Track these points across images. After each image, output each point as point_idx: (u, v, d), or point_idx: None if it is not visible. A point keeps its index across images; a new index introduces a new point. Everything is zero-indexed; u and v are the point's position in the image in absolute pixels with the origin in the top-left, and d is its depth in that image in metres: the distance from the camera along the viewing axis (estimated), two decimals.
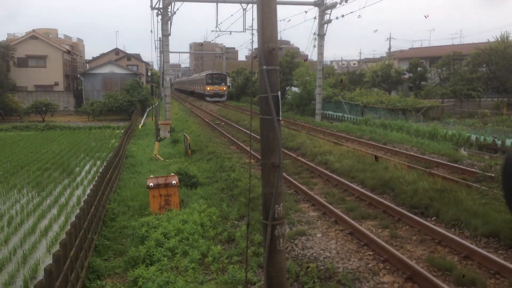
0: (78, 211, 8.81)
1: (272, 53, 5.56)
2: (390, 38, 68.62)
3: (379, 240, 8.74)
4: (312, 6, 33.21)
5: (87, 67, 70.98)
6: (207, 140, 24.96)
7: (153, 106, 46.81)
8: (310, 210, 11.60)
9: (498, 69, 41.55)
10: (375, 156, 13.57)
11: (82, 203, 9.40)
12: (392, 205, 11.22)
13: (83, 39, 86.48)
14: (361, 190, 12.94)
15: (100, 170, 14.64)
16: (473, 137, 21.21)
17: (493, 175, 13.15)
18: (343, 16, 31.65)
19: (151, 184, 11.63)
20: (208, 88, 62.99)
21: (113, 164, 15.01)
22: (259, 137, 5.90)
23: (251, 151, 14.69)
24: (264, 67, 5.54)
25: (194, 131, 28.61)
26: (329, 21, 33.12)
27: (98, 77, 53.33)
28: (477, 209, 9.95)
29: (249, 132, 26.38)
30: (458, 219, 9.84)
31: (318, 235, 9.44)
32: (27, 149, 25.29)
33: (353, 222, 10.02)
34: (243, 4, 30.55)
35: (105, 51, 77.95)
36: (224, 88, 63.71)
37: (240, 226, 10.44)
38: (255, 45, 6.13)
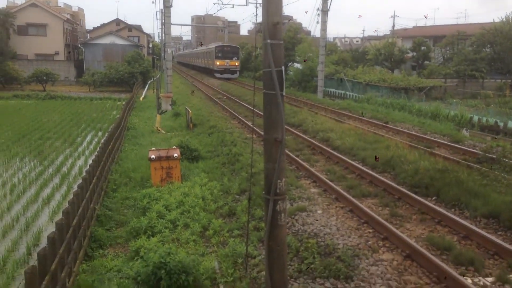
0: (80, 181, 8.83)
1: (277, 27, 5.50)
2: (394, 15, 68.07)
3: (379, 218, 8.81)
4: None
5: (88, 37, 70.30)
6: (209, 114, 24.90)
7: (155, 79, 46.58)
8: (311, 187, 11.66)
9: (503, 50, 41.21)
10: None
11: (85, 173, 9.43)
12: (393, 184, 11.27)
13: (84, 8, 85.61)
14: (362, 168, 12.98)
15: (102, 140, 14.65)
16: (475, 118, 21.18)
17: (494, 156, 13.16)
18: None
19: (153, 156, 11.66)
20: (218, 63, 54.64)
21: (114, 135, 15.00)
22: (261, 113, 5.87)
23: (253, 127, 14.65)
24: (268, 41, 5.48)
25: (196, 105, 28.51)
26: None
27: (99, 47, 52.84)
28: (478, 189, 10.00)
29: (250, 107, 26.31)
30: (458, 200, 9.90)
31: (319, 212, 9.51)
32: (29, 118, 25.23)
33: (353, 199, 10.08)
34: None
35: (106, 21, 77.20)
36: (237, 64, 55.23)
37: (241, 200, 10.50)
38: (259, 19, 6.06)
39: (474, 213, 9.28)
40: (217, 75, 54.91)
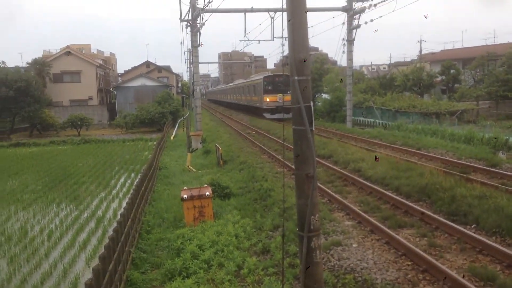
0: (115, 224, 8.95)
1: (304, 63, 5.56)
2: (421, 40, 67.64)
3: (417, 250, 8.55)
4: (341, 12, 33.07)
5: (120, 81, 72.56)
6: (239, 150, 25.04)
7: (184, 117, 47.42)
8: (345, 219, 11.46)
9: None
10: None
11: (119, 216, 9.55)
12: (429, 213, 10.98)
13: (115, 53, 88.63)
14: (396, 197, 12.71)
15: (135, 182, 14.88)
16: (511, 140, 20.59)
17: None
18: (372, 20, 31.24)
19: (185, 196, 11.73)
20: (267, 99, 43.16)
21: (147, 176, 15.23)
22: (290, 146, 5.88)
23: (284, 161, 14.62)
24: (296, 77, 5.54)
25: (225, 141, 28.76)
26: (358, 26, 32.86)
27: (130, 90, 54.39)
28: None
29: (279, 141, 26.35)
30: (499, 226, 9.54)
31: (354, 245, 9.31)
32: (65, 163, 25.94)
33: (389, 231, 9.84)
34: (271, 13, 30.67)
35: (137, 64, 79.60)
36: None
37: (274, 237, 10.39)
38: (285, 53, 6.12)
39: None
40: (267, 115, 43.42)
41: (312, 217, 5.50)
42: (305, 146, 5.50)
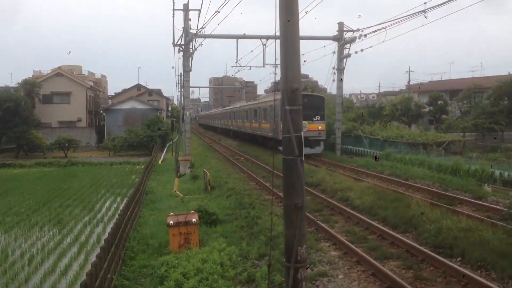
0: (98, 249, 8.80)
1: (296, 93, 5.62)
2: (409, 71, 68.69)
3: (403, 282, 8.51)
4: (331, 41, 33.59)
5: (110, 103, 72.44)
6: (227, 175, 24.96)
7: (173, 141, 47.30)
8: (331, 249, 11.40)
9: None
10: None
11: (103, 242, 9.41)
12: (416, 245, 10.97)
13: (106, 75, 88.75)
14: (383, 228, 12.70)
15: (121, 207, 14.72)
16: (497, 172, 20.78)
17: None
18: (362, 50, 31.78)
19: (171, 222, 11.60)
20: None
21: (133, 200, 15.09)
22: (278, 173, 5.89)
23: (273, 189, 14.60)
24: (287, 107, 5.59)
25: (214, 167, 28.68)
26: (348, 55, 33.36)
27: (120, 112, 54.28)
28: (504, 249, 9.65)
29: (268, 168, 26.34)
30: (484, 260, 9.54)
31: (340, 276, 9.25)
32: (50, 186, 25.63)
33: (375, 262, 9.79)
34: (263, 40, 31.04)
35: (128, 86, 79.60)
36: (322, 127, 32.26)
37: (260, 266, 10.29)
38: (277, 78, 6.13)
39: (502, 274, 8.91)
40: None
41: (300, 248, 5.49)
42: (294, 176, 5.52)
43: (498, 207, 14.47)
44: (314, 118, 31.69)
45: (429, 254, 10.25)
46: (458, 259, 10.13)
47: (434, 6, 19.20)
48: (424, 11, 19.90)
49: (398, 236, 11.86)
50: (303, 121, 22.55)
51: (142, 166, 30.87)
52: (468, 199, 16.20)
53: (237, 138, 53.75)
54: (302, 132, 5.68)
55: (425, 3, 19.56)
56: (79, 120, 55.23)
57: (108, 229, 11.85)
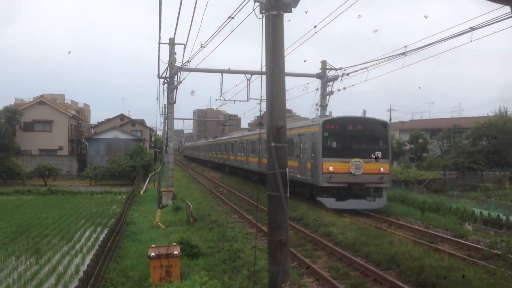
0: (76, 281, 8.61)
1: (281, 131, 5.71)
2: (390, 109, 69.87)
3: None
4: (315, 78, 34.17)
5: (92, 132, 72.01)
6: (209, 208, 24.79)
7: (155, 172, 46.98)
8: (314, 285, 11.33)
9: (499, 143, 42.02)
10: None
11: (82, 274, 9.21)
12: (398, 283, 10.96)
13: (90, 104, 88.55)
14: (366, 265, 12.68)
15: (101, 238, 14.46)
16: (478, 211, 21.06)
17: (499, 252, 12.93)
18: (344, 88, 32.17)
19: (153, 254, 11.42)
20: (330, 168, 22.32)
21: (114, 231, 14.84)
22: (262, 207, 5.89)
23: (257, 223, 14.54)
24: (273, 144, 5.66)
25: (196, 199, 28.47)
26: (331, 93, 33.85)
27: (103, 142, 53.95)
28: (484, 286, 9.71)
29: (251, 201, 26.26)
30: None
31: None
32: (28, 214, 25.07)
33: None
34: (247, 75, 31.41)
35: (111, 116, 79.46)
36: (384, 168, 22.72)
37: None
38: (257, 113, 6.21)
39: None
40: (328, 202, 22.80)
41: (283, 284, 5.46)
42: (279, 212, 5.55)
43: (479, 246, 14.61)
44: (372, 154, 22.54)
45: None
46: None
47: (413, 49, 19.78)
48: (404, 54, 20.47)
49: (381, 273, 11.85)
50: (357, 159, 20.73)
51: (124, 196, 30.48)
52: (449, 237, 16.33)
53: (223, 171, 52.29)
54: (287, 169, 5.74)
55: (405, 46, 20.18)
56: (61, 148, 54.65)
57: (87, 260, 11.63)
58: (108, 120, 76.96)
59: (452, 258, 12.37)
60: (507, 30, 12.52)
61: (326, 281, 11.35)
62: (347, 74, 29.69)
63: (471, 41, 15.36)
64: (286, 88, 6.75)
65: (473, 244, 15.00)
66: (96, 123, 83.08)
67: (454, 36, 15.94)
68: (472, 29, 14.83)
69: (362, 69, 25.02)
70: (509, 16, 12.04)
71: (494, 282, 10.26)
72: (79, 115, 72.13)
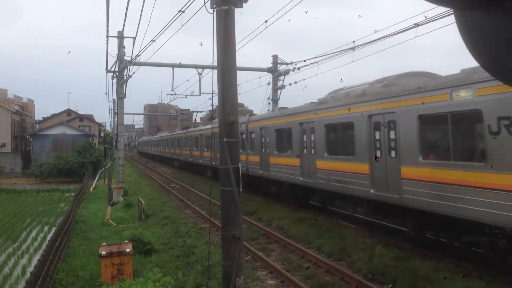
0: (23, 283, 8.31)
1: (233, 126, 5.71)
2: None
3: None
4: (266, 73, 34.34)
5: (37, 128, 69.34)
6: (162, 204, 24.49)
7: (105, 168, 45.89)
8: (268, 278, 11.43)
9: None
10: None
11: (30, 275, 8.90)
12: (349, 273, 11.23)
13: (34, 99, 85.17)
14: (318, 256, 12.90)
15: (49, 237, 14.01)
16: None
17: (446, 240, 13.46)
18: (296, 82, 32.69)
19: (104, 252, 11.18)
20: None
21: (62, 230, 14.42)
22: (215, 201, 5.89)
23: (210, 218, 14.49)
24: (225, 139, 5.65)
25: (148, 195, 28.06)
26: (283, 87, 34.16)
27: (48, 138, 52.08)
28: (432, 275, 10.11)
29: (204, 196, 26.14)
30: (414, 286, 9.92)
31: None
32: None
33: None
34: (199, 69, 31.16)
35: (57, 111, 76.78)
36: None
37: None
38: (209, 107, 6.20)
39: None
40: None
41: (238, 279, 5.48)
42: (232, 207, 5.55)
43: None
44: None
45: (362, 281, 10.53)
46: (389, 286, 10.48)
47: (362, 44, 20.24)
48: (352, 49, 20.92)
49: (333, 264, 12.10)
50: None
51: (72, 194, 29.61)
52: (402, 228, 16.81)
53: (178, 167, 51.28)
54: (239, 164, 5.76)
55: (353, 41, 20.64)
56: (3, 145, 52.34)
57: (35, 261, 11.23)
58: (54, 116, 74.29)
59: (402, 251, 12.75)
60: (448, 27, 13.02)
61: (279, 273, 11.48)
62: (298, 69, 30.02)
63: (415, 36, 15.89)
64: (238, 82, 6.75)
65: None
66: (42, 119, 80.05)
67: (400, 32, 16.44)
68: (417, 25, 15.33)
69: (313, 63, 25.38)
70: (449, 13, 12.54)
71: (441, 268, 10.65)
72: (22, 110, 69.27)
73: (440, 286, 9.54)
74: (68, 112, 74.95)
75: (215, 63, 5.93)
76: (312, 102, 18.59)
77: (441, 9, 12.88)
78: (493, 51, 1.23)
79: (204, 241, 14.45)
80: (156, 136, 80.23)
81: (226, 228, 5.88)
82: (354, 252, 12.61)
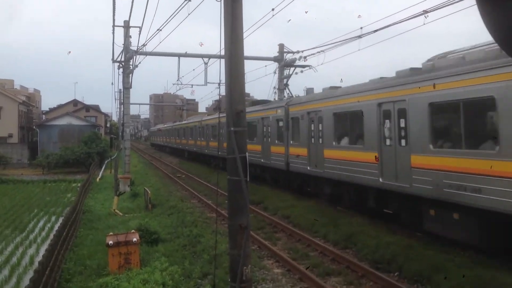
0: (31, 272, 8.37)
1: (240, 115, 5.67)
2: None
3: None
4: (272, 62, 34.18)
5: (44, 118, 69.56)
6: (168, 193, 24.57)
7: (111, 158, 46.06)
8: (274, 267, 11.46)
9: None
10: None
11: (38, 265, 8.96)
12: (355, 261, 11.24)
13: (41, 90, 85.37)
14: (324, 245, 12.92)
15: (56, 227, 14.10)
16: None
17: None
18: (302, 71, 32.60)
19: (111, 242, 11.23)
20: None
21: (70, 220, 14.50)
22: (222, 191, 5.86)
23: (217, 208, 14.51)
24: (232, 128, 5.62)
25: (154, 185, 28.14)
26: (289, 76, 34.05)
27: (55, 128, 52.24)
28: (439, 263, 10.09)
29: (210, 185, 26.18)
30: (420, 275, 9.92)
31: None
32: None
33: (317, 279, 9.95)
34: (205, 59, 31.07)
35: (64, 102, 76.88)
36: None
37: (203, 285, 10.15)
38: (216, 97, 6.17)
39: None
40: None
41: (245, 267, 5.48)
42: (239, 196, 5.53)
43: None
44: None
45: (368, 269, 10.54)
46: (396, 274, 10.48)
47: (369, 32, 19.99)
48: (359, 36, 20.68)
49: (339, 252, 12.12)
50: None
51: (79, 184, 29.75)
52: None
53: (181, 156, 50.53)
54: (246, 153, 5.74)
55: (361, 28, 20.35)
56: (10, 136, 52.53)
57: (42, 251, 11.32)
58: (60, 106, 74.40)
59: (409, 238, 12.72)
60: (458, 13, 12.84)
61: (286, 262, 11.51)
62: (305, 57, 29.81)
63: (423, 24, 15.70)
64: (244, 71, 6.69)
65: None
66: (48, 109, 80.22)
67: (408, 19, 16.24)
68: (425, 12, 15.14)
69: (319, 52, 25.19)
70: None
71: (448, 258, 10.61)
72: (29, 101, 69.42)
73: (447, 273, 9.51)
74: (75, 102, 75.07)
75: (223, 52, 5.88)
76: (382, 78, 14.58)
77: None
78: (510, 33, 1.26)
79: (210, 231, 14.50)
80: (183, 122, 56.56)
81: (233, 217, 5.87)
82: (360, 240, 12.61)
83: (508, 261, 9.86)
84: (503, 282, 8.65)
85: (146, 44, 28.39)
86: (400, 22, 16.41)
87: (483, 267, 9.68)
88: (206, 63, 31.35)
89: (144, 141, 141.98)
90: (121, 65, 32.52)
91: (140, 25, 45.80)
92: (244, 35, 6.20)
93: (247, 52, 6.76)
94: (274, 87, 35.15)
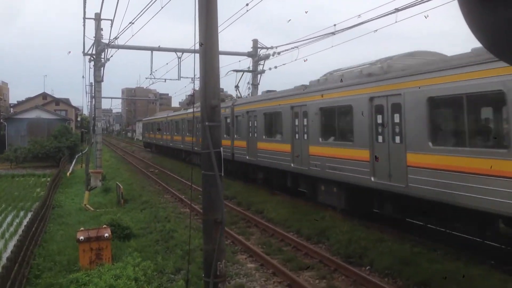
0: None
1: (215, 110, 5.66)
2: None
3: None
4: (246, 57, 34.14)
5: (11, 111, 67.83)
6: (141, 188, 24.34)
7: (82, 153, 45.30)
8: (247, 262, 11.49)
9: None
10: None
11: (6, 261, 8.76)
12: (328, 255, 11.37)
13: (9, 82, 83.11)
14: (297, 240, 13.03)
15: (25, 222, 13.79)
16: None
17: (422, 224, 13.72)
18: (276, 67, 32.71)
19: (82, 237, 11.07)
20: None
21: (39, 215, 14.20)
22: (196, 186, 5.85)
23: (191, 203, 14.46)
24: (207, 123, 5.60)
25: (127, 179, 27.81)
26: (263, 71, 34.08)
27: (23, 122, 51.02)
28: (409, 257, 10.30)
29: (184, 180, 26.04)
30: (391, 268, 10.11)
31: None
32: None
33: (290, 273, 10.02)
34: (178, 53, 30.83)
35: (33, 95, 75.14)
36: None
37: (176, 280, 10.11)
38: (188, 92, 6.16)
39: (407, 281, 9.48)
40: None
41: (219, 263, 5.48)
42: (214, 191, 5.53)
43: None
44: None
45: (340, 263, 10.68)
46: (367, 268, 10.65)
47: (342, 29, 20.16)
48: (333, 33, 20.85)
49: (311, 247, 12.23)
50: None
51: (48, 179, 29.16)
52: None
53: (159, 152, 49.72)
54: (221, 148, 5.73)
55: (334, 25, 20.54)
56: None
57: (11, 246, 11.06)
58: (29, 99, 72.75)
59: (382, 233, 12.92)
60: (428, 12, 13.06)
61: (259, 257, 11.56)
62: (278, 53, 29.89)
63: (395, 22, 15.93)
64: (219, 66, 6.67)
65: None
66: (16, 103, 78.31)
67: (380, 17, 16.46)
68: (397, 10, 15.37)
69: (293, 48, 25.29)
70: None
71: (418, 252, 10.85)
72: None
73: (416, 267, 9.73)
74: (44, 95, 73.51)
75: (197, 46, 5.84)
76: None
77: None
78: (496, 33, 1.27)
79: (184, 226, 14.43)
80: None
81: (207, 212, 5.86)
82: (333, 235, 12.75)
83: (474, 254, 10.15)
84: (467, 274, 8.89)
85: (118, 37, 28.01)
86: (372, 20, 16.62)
87: (449, 261, 9.94)
88: (179, 57, 31.14)
89: (117, 135, 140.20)
90: (92, 58, 31.93)
91: (112, 18, 45.24)
92: (219, 29, 6.18)
93: (223, 47, 6.76)
94: (248, 82, 35.16)
